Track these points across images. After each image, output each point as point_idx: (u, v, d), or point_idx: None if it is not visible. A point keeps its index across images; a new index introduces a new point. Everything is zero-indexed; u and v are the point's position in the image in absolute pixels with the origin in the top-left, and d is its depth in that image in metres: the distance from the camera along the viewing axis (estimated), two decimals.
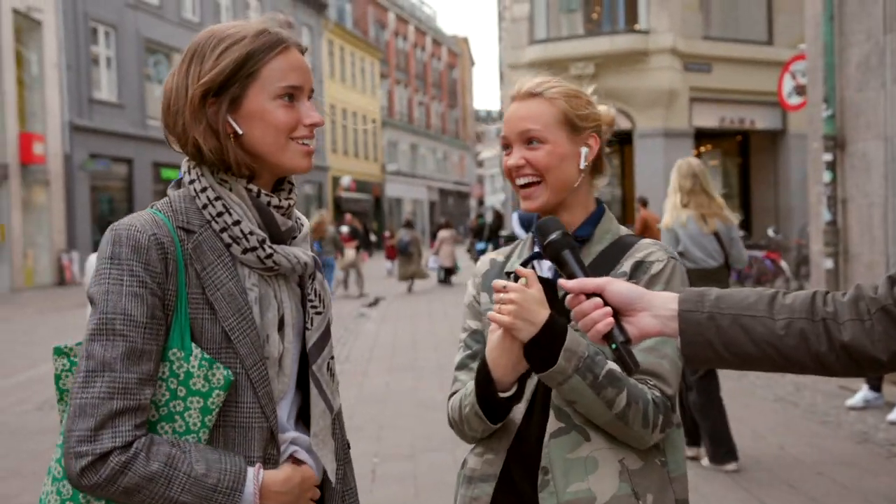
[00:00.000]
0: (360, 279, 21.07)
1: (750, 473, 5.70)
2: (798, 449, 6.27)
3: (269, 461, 1.58)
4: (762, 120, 20.02)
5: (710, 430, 5.71)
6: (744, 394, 7.89)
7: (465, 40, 74.16)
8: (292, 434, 1.64)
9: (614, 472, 1.76)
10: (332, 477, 1.68)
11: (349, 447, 1.81)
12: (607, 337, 1.48)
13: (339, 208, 43.33)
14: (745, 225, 18.47)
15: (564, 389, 1.71)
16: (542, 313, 1.69)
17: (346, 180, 44.74)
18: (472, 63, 78.39)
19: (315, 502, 1.68)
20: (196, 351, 1.50)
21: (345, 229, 21.44)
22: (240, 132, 1.55)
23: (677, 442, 1.88)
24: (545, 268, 1.92)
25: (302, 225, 1.71)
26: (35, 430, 7.48)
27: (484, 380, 1.77)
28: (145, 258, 1.48)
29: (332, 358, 1.72)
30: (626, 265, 1.86)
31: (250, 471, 1.52)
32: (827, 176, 9.15)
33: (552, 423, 1.80)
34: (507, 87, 22.30)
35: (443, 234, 23.44)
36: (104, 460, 1.41)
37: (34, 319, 16.70)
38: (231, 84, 1.54)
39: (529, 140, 1.87)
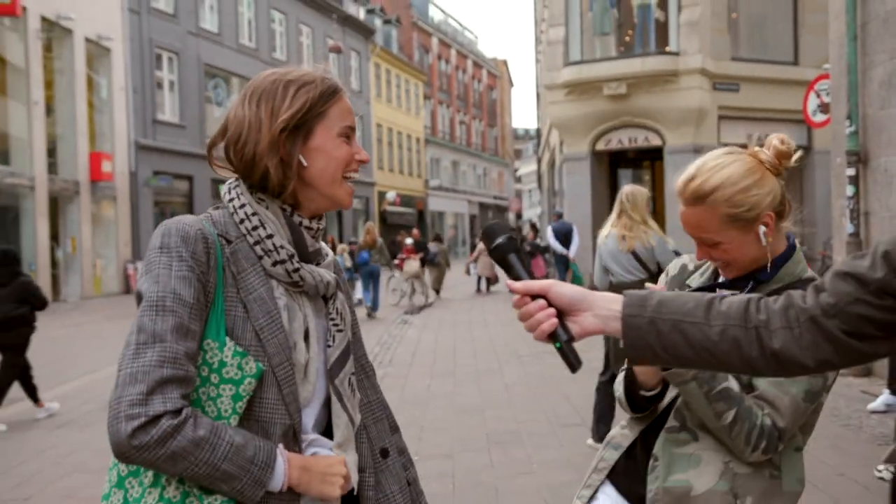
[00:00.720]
0: (424, 289, 21.22)
1: None
2: (821, 451, 6.18)
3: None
4: (788, 137, 19.80)
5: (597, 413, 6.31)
6: None
7: (505, 63, 74.19)
8: (313, 436, 1.66)
9: (716, 470, 1.87)
10: (354, 485, 1.70)
11: (387, 455, 1.82)
12: (552, 336, 1.49)
13: (385, 221, 43.57)
14: None
15: (683, 390, 1.85)
16: None
17: (391, 195, 44.95)
18: (511, 84, 78.37)
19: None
20: (230, 343, 1.54)
21: (409, 241, 21.56)
22: (305, 164, 1.64)
23: (794, 463, 1.94)
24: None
25: (328, 254, 1.77)
26: (101, 427, 7.61)
27: (629, 379, 1.98)
28: (192, 248, 1.54)
29: (354, 374, 1.75)
30: None
31: (278, 451, 1.54)
32: (850, 190, 9.02)
33: (670, 420, 1.94)
34: (542, 106, 22.28)
35: (481, 245, 23.53)
36: (156, 422, 1.41)
37: (102, 325, 16.98)
38: (305, 122, 1.64)
39: (706, 244, 1.90)
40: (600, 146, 20.48)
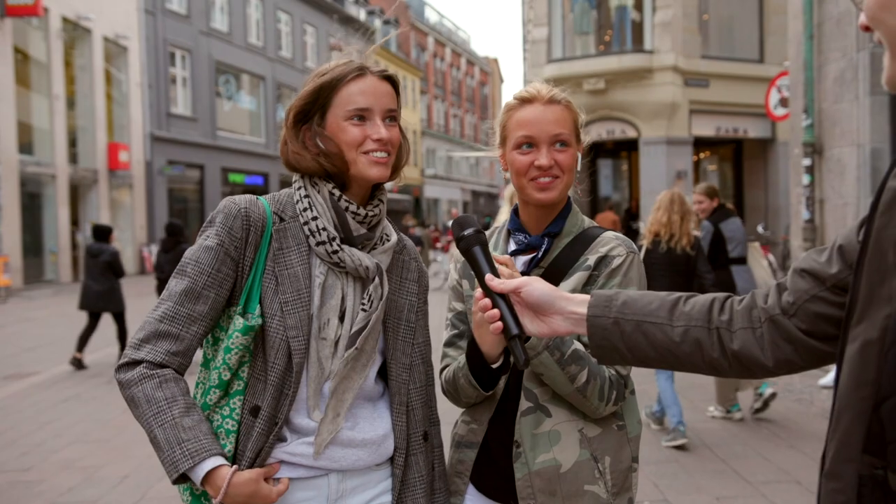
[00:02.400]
0: None
1: (727, 447, 5.56)
2: (773, 424, 6.11)
3: (280, 411, 1.59)
4: (754, 129, 19.68)
5: None
6: None
7: (496, 61, 73.76)
8: (304, 441, 1.63)
9: (575, 441, 1.77)
10: (324, 439, 1.66)
11: (427, 437, 1.79)
12: (504, 331, 1.45)
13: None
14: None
15: (535, 363, 1.72)
16: None
17: (389, 183, 44.77)
18: (502, 80, 77.98)
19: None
20: (258, 309, 1.59)
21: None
22: (322, 147, 1.64)
23: (633, 407, 1.89)
24: (519, 263, 1.89)
25: (388, 239, 1.74)
26: (105, 400, 7.53)
27: (474, 354, 1.77)
28: (230, 224, 1.60)
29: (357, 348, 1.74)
30: (591, 259, 1.83)
31: (214, 459, 1.50)
32: (806, 179, 8.93)
33: (522, 403, 1.81)
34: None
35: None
36: (133, 366, 1.53)
37: None
38: (313, 110, 1.65)
39: (557, 142, 1.82)
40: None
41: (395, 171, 1.73)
